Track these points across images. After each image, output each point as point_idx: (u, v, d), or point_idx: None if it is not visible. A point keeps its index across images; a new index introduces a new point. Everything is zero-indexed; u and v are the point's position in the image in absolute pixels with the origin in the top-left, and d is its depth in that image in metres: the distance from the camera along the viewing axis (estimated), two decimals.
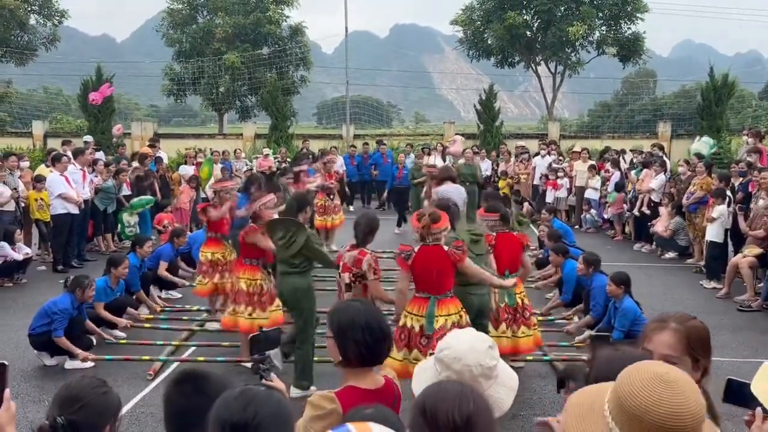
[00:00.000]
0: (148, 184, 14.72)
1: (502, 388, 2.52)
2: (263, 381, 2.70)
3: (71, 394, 2.43)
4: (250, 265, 7.38)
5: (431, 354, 5.46)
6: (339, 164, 19.98)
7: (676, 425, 1.65)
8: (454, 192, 9.35)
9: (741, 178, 12.13)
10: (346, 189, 19.96)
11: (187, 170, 16.41)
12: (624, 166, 16.73)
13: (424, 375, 2.56)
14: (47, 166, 13.76)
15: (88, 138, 18.18)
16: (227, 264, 8.76)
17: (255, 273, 7.37)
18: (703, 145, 16.28)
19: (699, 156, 14.39)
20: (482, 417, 1.95)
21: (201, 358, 7.69)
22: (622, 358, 2.11)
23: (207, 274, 8.77)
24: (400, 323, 5.82)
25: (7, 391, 2.27)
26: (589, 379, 2.31)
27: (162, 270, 10.20)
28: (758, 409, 2.22)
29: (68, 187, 12.37)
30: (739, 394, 2.34)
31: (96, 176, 13.64)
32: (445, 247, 5.77)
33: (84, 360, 7.49)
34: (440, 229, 5.76)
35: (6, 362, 2.34)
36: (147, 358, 7.62)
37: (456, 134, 22.14)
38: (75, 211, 12.43)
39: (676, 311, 2.64)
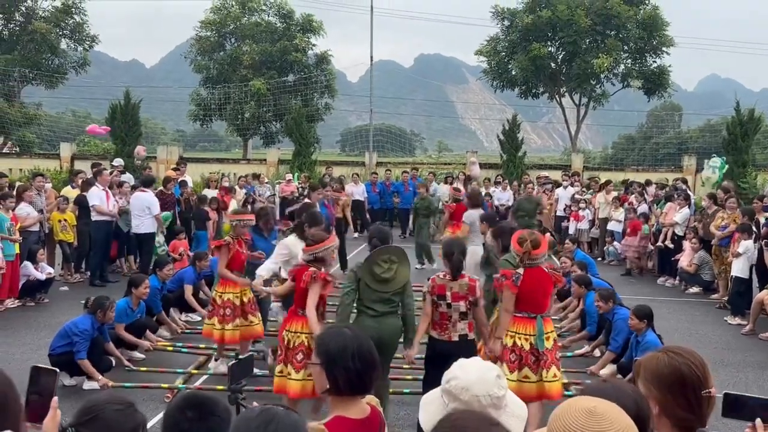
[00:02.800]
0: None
1: (512, 418, 2.46)
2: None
3: (87, 406, 2.43)
4: (304, 317, 6.10)
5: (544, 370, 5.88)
6: (360, 191, 20.08)
7: None
8: (478, 216, 10.29)
9: (766, 213, 11.98)
10: (367, 216, 20.00)
11: (210, 194, 16.53)
12: (648, 198, 16.60)
13: (430, 407, 2.49)
14: (73, 188, 13.98)
15: (119, 161, 18.41)
16: (243, 306, 8.02)
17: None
18: (713, 170, 16.24)
19: (723, 188, 14.19)
20: None
21: (220, 387, 7.63)
22: (611, 390, 2.10)
23: (224, 319, 7.86)
24: (509, 343, 6.03)
25: (54, 399, 2.28)
26: None
27: (188, 294, 10.20)
28: (758, 420, 2.24)
29: (104, 201, 12.85)
30: (737, 407, 2.35)
31: (120, 198, 13.79)
32: (546, 269, 6.15)
33: (104, 386, 7.48)
34: (541, 254, 6.10)
35: (57, 369, 2.36)
36: (165, 386, 7.57)
37: (471, 158, 22.27)
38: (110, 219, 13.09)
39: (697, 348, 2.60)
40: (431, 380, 5.86)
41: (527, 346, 5.98)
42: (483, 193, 18.98)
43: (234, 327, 7.93)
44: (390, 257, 6.03)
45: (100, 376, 7.51)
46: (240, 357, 3.83)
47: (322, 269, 6.17)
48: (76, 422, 2.34)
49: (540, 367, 5.96)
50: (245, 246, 8.22)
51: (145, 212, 13.02)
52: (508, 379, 5.83)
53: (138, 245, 13.50)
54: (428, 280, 6.14)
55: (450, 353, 5.86)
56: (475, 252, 10.06)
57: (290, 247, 7.74)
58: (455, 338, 5.96)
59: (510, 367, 5.96)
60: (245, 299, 8.04)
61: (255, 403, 2.76)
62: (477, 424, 1.91)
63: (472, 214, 10.66)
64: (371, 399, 2.93)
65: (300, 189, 19.41)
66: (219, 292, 7.99)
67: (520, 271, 6.03)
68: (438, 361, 5.89)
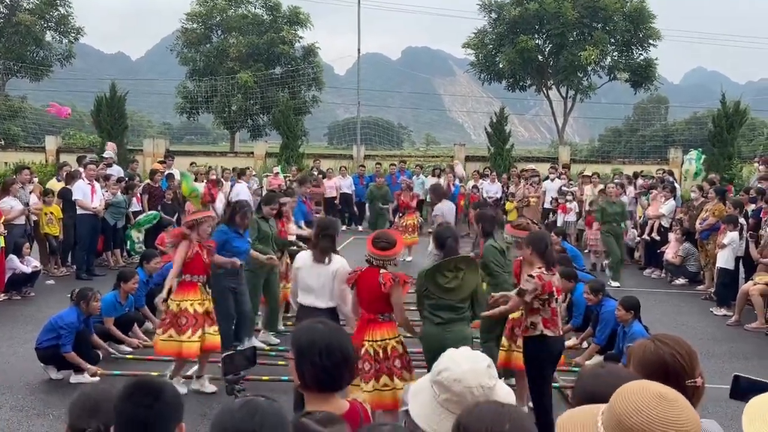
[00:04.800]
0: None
1: None
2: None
3: (97, 401, 2.41)
4: (384, 323, 5.80)
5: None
6: (347, 184, 20.06)
7: None
8: (446, 208, 11.15)
9: (753, 205, 12.06)
10: (354, 209, 19.99)
11: (197, 187, 16.48)
12: (634, 191, 16.65)
13: (419, 397, 2.48)
14: (59, 180, 13.89)
15: (109, 154, 18.29)
16: (201, 315, 7.12)
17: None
18: (690, 162, 16.46)
19: (708, 181, 14.33)
20: None
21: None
22: (607, 375, 2.10)
23: (174, 327, 7.01)
24: None
25: None
26: (574, 394, 2.34)
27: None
28: None
29: (88, 196, 12.82)
30: (746, 390, 2.34)
31: (106, 191, 13.71)
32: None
33: (93, 375, 7.47)
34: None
35: None
36: (156, 373, 7.54)
37: (455, 161, 22.63)
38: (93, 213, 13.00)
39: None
40: (546, 383, 5.79)
41: None
42: (471, 186, 19.12)
43: (191, 339, 7.02)
44: (456, 265, 5.65)
45: (88, 365, 7.49)
46: (239, 349, 3.76)
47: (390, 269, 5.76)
48: (102, 420, 2.33)
49: None
50: (207, 252, 7.31)
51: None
52: None
53: None
54: (533, 277, 5.63)
55: (562, 349, 5.96)
56: None
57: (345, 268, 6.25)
58: (562, 333, 6.02)
59: None
60: (205, 308, 7.20)
61: (248, 394, 2.75)
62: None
63: (439, 207, 11.19)
64: (358, 396, 2.89)
65: (288, 182, 19.35)
66: (173, 299, 7.11)
67: None
68: (555, 361, 5.80)
